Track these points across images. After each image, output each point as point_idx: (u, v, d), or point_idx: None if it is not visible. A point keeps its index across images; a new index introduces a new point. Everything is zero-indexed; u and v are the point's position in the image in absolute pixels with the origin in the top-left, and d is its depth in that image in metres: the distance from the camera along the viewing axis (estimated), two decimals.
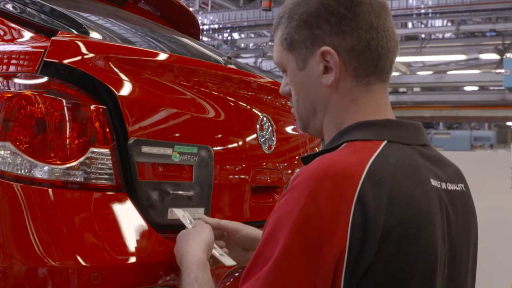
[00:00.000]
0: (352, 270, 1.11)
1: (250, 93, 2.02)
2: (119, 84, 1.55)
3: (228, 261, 1.49)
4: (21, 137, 1.42)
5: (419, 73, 20.38)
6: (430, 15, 15.04)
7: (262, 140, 1.97)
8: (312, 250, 1.11)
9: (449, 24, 17.39)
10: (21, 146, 1.41)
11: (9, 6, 1.71)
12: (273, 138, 2.02)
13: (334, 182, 1.13)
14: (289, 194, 1.16)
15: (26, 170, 1.41)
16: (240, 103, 1.95)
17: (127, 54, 1.63)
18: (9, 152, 1.41)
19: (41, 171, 1.42)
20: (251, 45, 19.40)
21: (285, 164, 2.10)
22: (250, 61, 19.82)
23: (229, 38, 17.67)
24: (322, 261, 1.10)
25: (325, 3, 1.28)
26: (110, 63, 1.55)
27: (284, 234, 1.12)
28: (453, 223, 1.28)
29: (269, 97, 2.10)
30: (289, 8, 1.34)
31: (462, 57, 19.46)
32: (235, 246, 1.62)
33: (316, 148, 2.34)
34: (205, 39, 18.04)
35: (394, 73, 20.20)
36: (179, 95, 1.72)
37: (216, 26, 16.29)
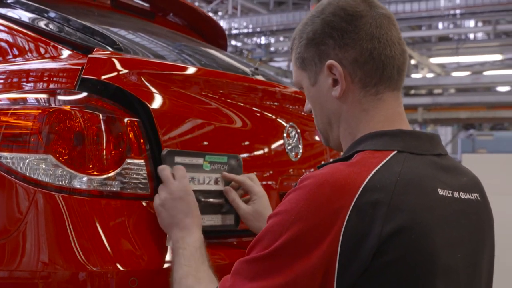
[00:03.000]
0: (344, 273, 1.18)
1: (276, 103, 2.09)
2: (152, 98, 1.63)
3: None
4: (61, 150, 1.51)
5: (454, 74, 20.22)
6: (458, 15, 14.89)
7: (289, 148, 2.04)
8: (302, 249, 1.19)
9: (480, 24, 17.22)
10: (61, 158, 1.50)
11: (47, 25, 1.81)
12: (300, 146, 2.09)
13: (333, 189, 1.20)
14: (293, 193, 1.25)
15: (67, 181, 1.50)
16: (267, 113, 2.03)
17: (159, 69, 1.72)
18: (50, 164, 1.50)
19: (80, 181, 1.51)
20: (285, 48, 19.46)
21: (311, 171, 2.16)
22: (283, 64, 19.87)
23: (260, 42, 17.70)
24: (309, 261, 1.18)
25: (327, 19, 1.37)
26: (143, 78, 1.64)
27: (281, 230, 1.21)
28: (467, 232, 1.32)
29: (295, 106, 2.18)
30: (299, 30, 1.44)
31: (498, 57, 19.21)
32: (247, 211, 1.75)
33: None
34: (238, 44, 18.07)
35: (429, 75, 20.01)
36: (209, 107, 1.80)
37: (245, 30, 16.30)
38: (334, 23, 1.36)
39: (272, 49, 18.72)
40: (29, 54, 1.73)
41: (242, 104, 1.93)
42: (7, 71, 1.71)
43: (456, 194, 1.32)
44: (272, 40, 17.96)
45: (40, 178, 1.49)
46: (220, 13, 17.71)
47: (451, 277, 1.26)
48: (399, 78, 1.38)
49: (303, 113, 2.20)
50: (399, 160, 1.27)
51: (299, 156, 2.09)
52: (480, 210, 1.39)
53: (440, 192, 1.29)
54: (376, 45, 1.34)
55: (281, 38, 17.97)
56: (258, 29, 16.33)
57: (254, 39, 17.82)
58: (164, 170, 1.58)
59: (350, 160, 1.29)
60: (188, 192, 1.59)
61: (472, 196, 1.37)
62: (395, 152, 1.28)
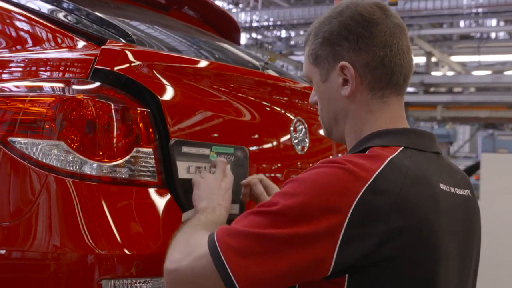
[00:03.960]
0: (345, 248, 1.25)
1: (284, 97, 2.15)
2: (162, 89, 1.69)
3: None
4: (73, 137, 1.57)
5: (475, 72, 20.09)
6: (481, 14, 14.76)
7: (295, 141, 2.09)
8: (307, 217, 1.27)
9: (502, 23, 17.10)
10: (73, 145, 1.57)
11: (63, 15, 1.87)
12: (306, 140, 2.14)
13: (351, 171, 1.29)
14: (316, 169, 1.34)
15: (77, 167, 1.56)
16: (275, 107, 2.08)
17: (169, 61, 1.78)
18: (62, 150, 1.56)
19: (91, 167, 1.57)
20: (301, 42, 19.46)
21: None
22: (303, 58, 19.86)
23: (280, 35, 17.64)
24: (310, 228, 1.26)
25: (345, 23, 1.45)
26: (154, 70, 1.70)
27: (293, 193, 1.30)
28: (460, 224, 1.43)
29: (303, 101, 2.23)
30: (315, 27, 1.52)
31: None
32: None
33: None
34: (259, 37, 18.03)
35: (449, 73, 19.91)
36: (218, 100, 1.86)
37: (265, 23, 16.28)
38: (351, 27, 1.44)
39: (292, 42, 18.70)
40: (45, 44, 1.79)
41: (250, 98, 1.98)
42: (24, 60, 1.78)
43: (452, 190, 1.43)
44: (293, 33, 17.95)
45: (52, 163, 1.56)
46: (241, 5, 17.72)
47: (449, 264, 1.37)
48: (404, 85, 1.48)
49: (311, 108, 2.25)
50: (406, 155, 1.37)
51: (305, 150, 2.14)
52: (470, 205, 1.50)
53: (442, 186, 1.40)
54: (388, 52, 1.43)
55: (301, 32, 17.97)
56: (278, 22, 16.32)
57: (275, 32, 17.81)
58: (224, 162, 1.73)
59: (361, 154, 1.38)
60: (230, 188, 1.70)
61: (464, 192, 1.48)
62: (402, 148, 1.39)
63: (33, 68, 1.74)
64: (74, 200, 1.54)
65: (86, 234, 1.52)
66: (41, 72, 1.72)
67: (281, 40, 17.96)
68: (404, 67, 1.45)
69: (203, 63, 1.91)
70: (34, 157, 1.57)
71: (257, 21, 16.26)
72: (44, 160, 1.56)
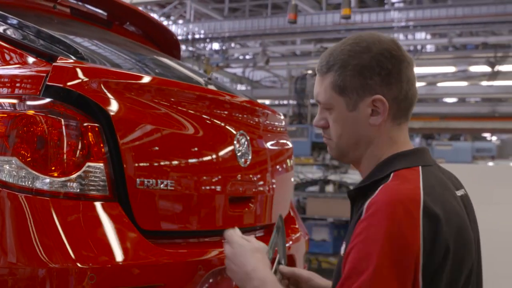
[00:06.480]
0: (426, 271, 1.40)
1: (228, 112, 2.20)
2: (112, 105, 1.74)
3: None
4: (25, 153, 1.61)
5: None
6: (411, 27, 15.12)
7: (238, 154, 2.15)
8: (400, 264, 1.38)
9: (429, 37, 17.54)
10: (25, 161, 1.60)
11: (12, 32, 1.89)
12: (249, 153, 2.21)
13: (404, 205, 1.41)
14: (368, 220, 1.43)
15: (30, 182, 1.60)
16: (219, 121, 2.14)
17: (119, 78, 1.83)
18: (15, 165, 1.60)
19: (43, 183, 1.61)
20: (235, 54, 19.42)
21: (259, 176, 2.30)
22: (238, 70, 19.90)
23: (212, 48, 17.60)
24: (409, 272, 1.38)
25: (376, 59, 1.56)
26: (104, 86, 1.74)
27: (373, 254, 1.39)
28: (471, 222, 1.58)
29: (245, 115, 2.30)
30: (341, 59, 1.60)
31: (452, 69, 19.58)
32: None
33: (290, 164, 2.54)
34: (191, 49, 17.92)
35: None
36: (165, 114, 1.91)
37: (197, 36, 16.20)
38: (382, 63, 1.56)
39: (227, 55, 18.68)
40: None
41: (195, 112, 2.04)
42: None
43: (459, 193, 1.59)
44: (225, 47, 17.94)
45: (4, 179, 1.59)
46: (172, 18, 17.60)
47: (475, 268, 1.54)
48: (411, 111, 1.64)
49: (251, 122, 2.32)
50: (428, 173, 1.52)
51: (248, 163, 2.20)
52: (470, 202, 1.66)
53: (457, 192, 1.57)
54: (410, 87, 1.59)
55: (233, 44, 17.95)
56: (210, 35, 16.29)
57: (207, 45, 17.79)
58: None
59: (389, 179, 1.51)
60: (256, 247, 1.70)
61: (463, 192, 1.65)
62: (420, 167, 1.54)
63: None
64: (26, 215, 1.57)
65: (38, 248, 1.55)
66: None
67: (218, 52, 17.94)
68: (416, 97, 1.62)
69: (150, 79, 1.96)
70: None
71: (191, 34, 16.18)
72: None
